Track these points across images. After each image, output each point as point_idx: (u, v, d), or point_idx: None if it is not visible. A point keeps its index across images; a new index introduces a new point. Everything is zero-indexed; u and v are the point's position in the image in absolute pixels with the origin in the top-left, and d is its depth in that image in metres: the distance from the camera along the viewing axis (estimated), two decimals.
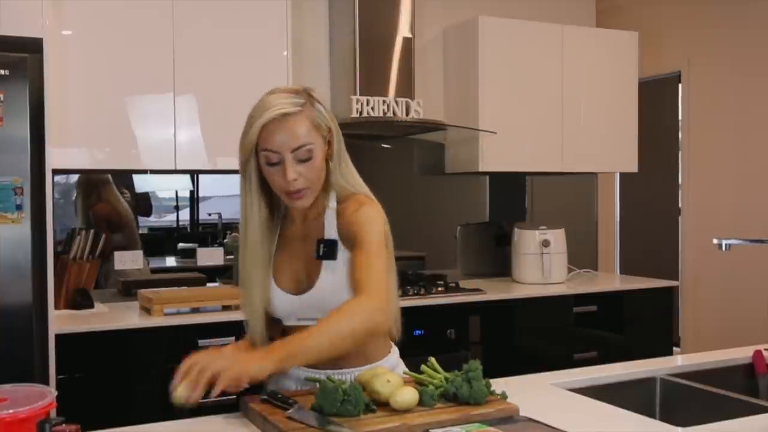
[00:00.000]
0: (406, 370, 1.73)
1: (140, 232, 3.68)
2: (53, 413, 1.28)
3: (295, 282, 1.63)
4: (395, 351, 1.76)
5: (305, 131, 1.52)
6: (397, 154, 4.00)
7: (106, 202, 3.55)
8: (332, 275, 1.59)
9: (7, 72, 2.44)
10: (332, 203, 1.62)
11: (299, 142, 1.51)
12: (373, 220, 1.57)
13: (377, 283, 1.49)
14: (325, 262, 1.59)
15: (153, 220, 3.79)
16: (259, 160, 1.54)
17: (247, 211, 1.59)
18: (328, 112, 1.60)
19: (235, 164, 3.34)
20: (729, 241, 2.14)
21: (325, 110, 1.59)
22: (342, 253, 1.60)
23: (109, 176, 3.54)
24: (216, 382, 1.34)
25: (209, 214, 4.00)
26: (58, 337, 2.62)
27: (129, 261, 3.47)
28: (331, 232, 1.61)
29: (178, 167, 3.15)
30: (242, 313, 1.68)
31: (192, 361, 1.38)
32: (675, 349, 4.49)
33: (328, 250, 1.58)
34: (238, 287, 1.68)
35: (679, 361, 2.15)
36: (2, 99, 2.43)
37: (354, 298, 1.49)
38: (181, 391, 1.36)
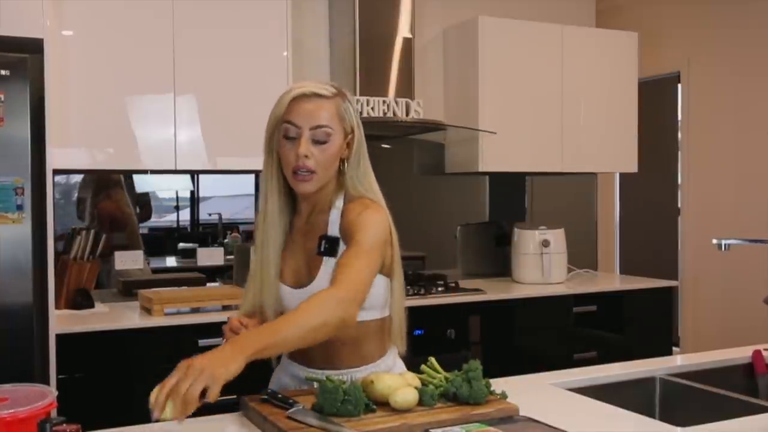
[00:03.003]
0: (404, 370, 1.73)
1: (141, 232, 3.69)
2: (54, 413, 1.29)
3: (296, 276, 1.65)
4: (393, 351, 1.74)
5: (329, 115, 1.57)
6: (397, 154, 4.00)
7: (113, 200, 3.56)
8: (331, 272, 1.57)
9: (7, 72, 2.44)
10: (339, 203, 1.63)
11: (320, 121, 1.55)
12: (373, 224, 1.56)
13: (352, 276, 1.47)
14: (325, 259, 1.60)
15: (153, 220, 3.79)
16: (279, 133, 1.58)
17: (268, 185, 1.62)
18: (357, 116, 1.64)
19: (235, 164, 3.33)
20: (729, 241, 2.15)
21: (353, 111, 1.63)
22: (342, 250, 1.59)
23: (121, 176, 3.56)
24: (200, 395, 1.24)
25: (209, 214, 4.00)
26: (58, 337, 2.62)
27: (129, 261, 3.47)
28: (333, 229, 1.61)
29: (179, 167, 3.15)
30: (253, 286, 1.66)
31: (175, 379, 1.23)
32: (675, 349, 4.49)
33: (330, 247, 1.59)
34: (252, 267, 1.66)
35: (678, 361, 2.15)
36: (3, 99, 2.44)
37: (323, 290, 1.47)
38: (170, 411, 1.22)
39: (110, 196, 3.56)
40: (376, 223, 1.57)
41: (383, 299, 1.65)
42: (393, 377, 1.54)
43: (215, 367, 1.23)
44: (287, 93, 1.58)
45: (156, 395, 1.21)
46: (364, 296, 1.49)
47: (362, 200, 1.62)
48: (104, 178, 3.54)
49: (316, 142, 1.55)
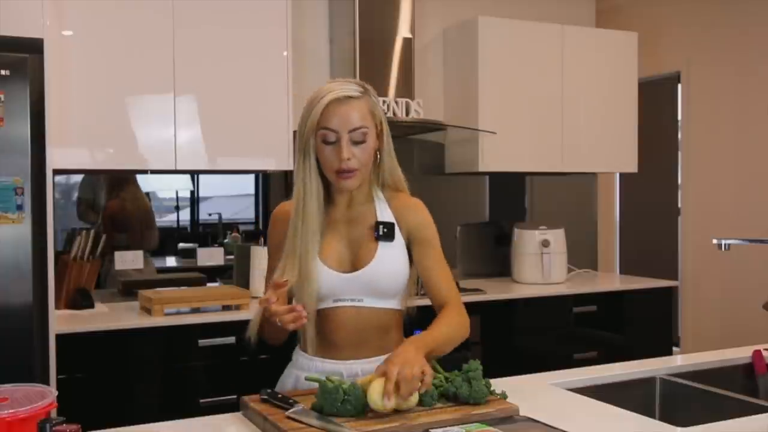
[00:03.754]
0: None
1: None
2: (54, 413, 1.29)
3: (340, 262, 1.68)
4: None
5: (363, 115, 1.63)
6: (397, 154, 3.98)
7: (120, 199, 3.57)
8: (388, 256, 1.67)
9: (7, 72, 2.44)
10: (380, 194, 1.74)
11: (357, 123, 1.61)
12: (433, 222, 1.76)
13: (460, 298, 1.72)
14: (381, 243, 1.67)
15: None
16: (315, 139, 1.63)
17: (306, 187, 1.65)
18: (382, 107, 1.71)
19: (235, 164, 3.33)
20: (729, 241, 2.14)
21: (379, 104, 1.70)
22: (399, 237, 1.70)
23: (136, 175, 3.56)
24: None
25: (209, 214, 4.00)
26: (58, 337, 2.62)
27: (129, 261, 3.47)
28: (385, 216, 1.71)
29: (179, 167, 3.15)
30: (282, 278, 1.63)
31: (393, 369, 1.42)
32: (675, 349, 4.49)
33: (388, 231, 1.68)
34: (282, 264, 1.65)
35: (678, 361, 2.15)
36: (3, 99, 2.43)
37: (460, 312, 1.67)
38: (377, 399, 1.42)
39: (119, 195, 3.57)
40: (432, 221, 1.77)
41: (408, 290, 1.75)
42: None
43: (420, 360, 1.45)
44: (319, 98, 1.61)
45: (380, 389, 1.41)
46: None
47: (407, 194, 1.77)
48: (112, 177, 3.54)
49: (355, 142, 1.62)
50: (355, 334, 1.67)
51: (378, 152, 1.71)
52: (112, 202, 3.54)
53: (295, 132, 2.55)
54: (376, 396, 1.43)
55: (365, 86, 1.67)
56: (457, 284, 3.59)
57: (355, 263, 1.68)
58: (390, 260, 1.67)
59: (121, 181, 3.57)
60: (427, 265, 1.71)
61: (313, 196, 1.65)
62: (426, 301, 1.75)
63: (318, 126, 1.61)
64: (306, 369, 1.72)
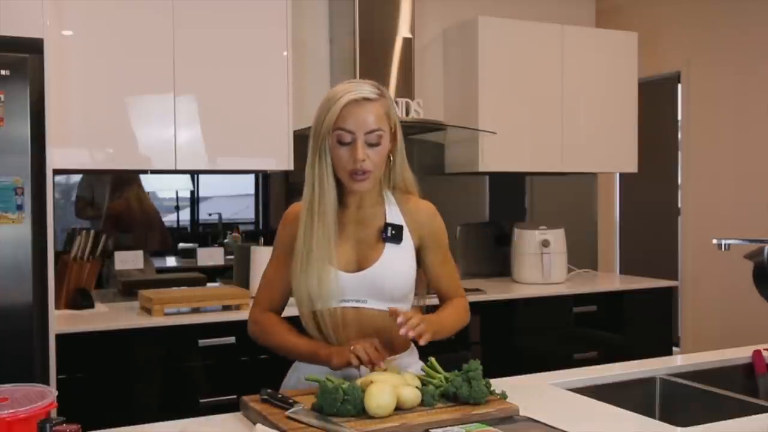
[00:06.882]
0: (424, 366, 1.74)
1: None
2: (53, 413, 1.29)
3: (346, 263, 1.68)
4: (414, 349, 1.81)
5: (379, 118, 1.65)
6: None
7: (125, 199, 3.57)
8: (394, 257, 1.68)
9: (7, 72, 2.44)
10: (390, 196, 1.75)
11: (373, 126, 1.63)
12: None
13: (462, 290, 1.84)
14: (388, 244, 1.69)
15: None
16: (330, 139, 1.63)
17: (323, 187, 1.65)
18: (396, 110, 1.73)
19: (235, 164, 3.33)
20: (729, 241, 2.15)
21: (394, 107, 1.72)
22: (408, 240, 1.71)
23: (139, 176, 3.57)
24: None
25: (209, 214, 4.00)
26: (58, 337, 2.62)
27: (129, 261, 3.47)
28: (394, 218, 1.72)
29: (179, 167, 3.15)
30: (303, 277, 1.66)
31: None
32: (675, 349, 4.49)
33: (396, 233, 1.70)
34: (294, 267, 1.67)
35: (678, 361, 2.15)
36: (3, 99, 2.43)
37: (463, 300, 1.81)
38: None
39: (123, 195, 3.57)
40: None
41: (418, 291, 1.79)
42: (392, 377, 1.54)
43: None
44: (336, 98, 1.62)
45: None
46: None
47: (418, 197, 1.79)
48: (116, 177, 3.55)
49: (370, 144, 1.63)
50: (357, 336, 1.66)
51: (391, 154, 1.71)
52: (117, 203, 3.54)
53: (296, 132, 2.61)
54: (372, 402, 1.43)
55: (381, 88, 1.68)
56: None
57: (360, 263, 1.68)
58: (396, 262, 1.68)
59: (126, 181, 3.57)
60: (438, 271, 1.78)
61: (329, 196, 1.65)
62: (436, 301, 1.79)
63: (334, 126, 1.61)
64: (306, 370, 1.72)
